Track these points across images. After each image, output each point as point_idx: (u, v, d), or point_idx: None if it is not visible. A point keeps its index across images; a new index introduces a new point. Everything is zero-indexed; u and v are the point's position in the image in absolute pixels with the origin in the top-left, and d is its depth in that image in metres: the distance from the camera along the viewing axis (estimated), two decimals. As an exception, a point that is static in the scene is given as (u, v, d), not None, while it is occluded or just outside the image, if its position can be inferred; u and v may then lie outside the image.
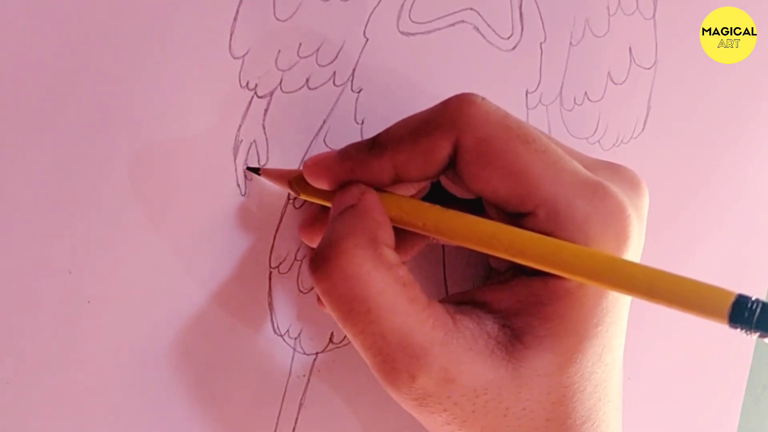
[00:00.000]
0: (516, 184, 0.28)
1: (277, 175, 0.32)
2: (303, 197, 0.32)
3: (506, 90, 0.37)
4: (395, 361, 0.27)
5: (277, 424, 0.34)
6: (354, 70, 0.33)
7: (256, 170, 0.33)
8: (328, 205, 0.31)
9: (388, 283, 0.27)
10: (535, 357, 0.29)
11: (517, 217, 0.29)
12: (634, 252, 0.30)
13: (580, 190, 0.28)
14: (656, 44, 0.40)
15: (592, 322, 0.29)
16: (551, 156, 0.29)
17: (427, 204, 0.30)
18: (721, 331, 0.35)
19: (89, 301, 0.29)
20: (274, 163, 0.32)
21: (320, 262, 0.28)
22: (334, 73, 0.33)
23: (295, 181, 0.32)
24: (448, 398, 0.28)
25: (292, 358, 0.34)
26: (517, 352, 0.29)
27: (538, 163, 0.28)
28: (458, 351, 0.28)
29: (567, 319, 0.29)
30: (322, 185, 0.31)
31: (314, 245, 0.33)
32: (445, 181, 0.33)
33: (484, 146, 0.28)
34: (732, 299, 0.25)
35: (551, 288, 0.29)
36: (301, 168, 0.32)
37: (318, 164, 0.31)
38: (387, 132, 0.30)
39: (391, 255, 0.28)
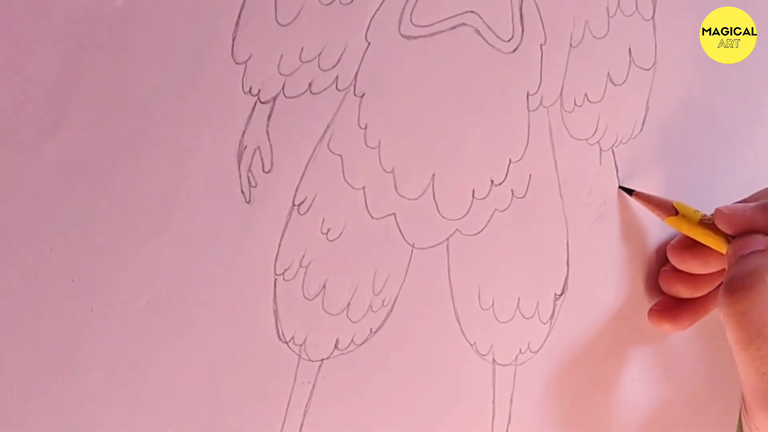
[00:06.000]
0: None
1: (650, 201, 0.39)
2: (670, 223, 0.39)
3: (507, 92, 0.37)
4: None
5: (281, 430, 0.34)
6: (356, 74, 0.33)
7: (629, 191, 0.39)
8: (699, 239, 0.38)
9: None
10: None
11: None
12: None
13: None
14: (655, 45, 0.40)
15: None
16: None
17: None
18: (721, 332, 0.35)
19: (92, 309, 0.29)
20: (280, 169, 0.32)
21: (740, 286, 0.32)
22: (337, 77, 0.32)
23: (680, 208, 0.39)
24: None
25: (297, 364, 0.34)
26: None
27: None
28: None
29: None
30: (728, 230, 0.36)
31: (680, 265, 0.40)
32: None
33: None
34: None
35: None
36: (714, 210, 0.38)
37: (736, 213, 0.36)
38: None
39: None
